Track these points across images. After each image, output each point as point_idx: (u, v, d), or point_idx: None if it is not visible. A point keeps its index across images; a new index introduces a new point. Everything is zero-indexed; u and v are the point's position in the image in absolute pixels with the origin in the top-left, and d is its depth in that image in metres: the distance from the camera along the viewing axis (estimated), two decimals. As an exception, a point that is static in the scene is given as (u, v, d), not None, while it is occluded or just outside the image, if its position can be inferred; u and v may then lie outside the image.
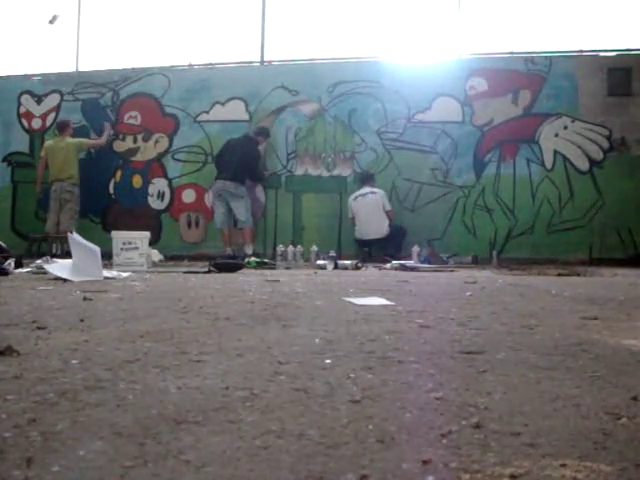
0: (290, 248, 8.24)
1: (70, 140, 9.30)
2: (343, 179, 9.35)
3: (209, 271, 5.80)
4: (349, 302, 3.06)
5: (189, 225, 9.73)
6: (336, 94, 9.38)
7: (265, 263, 7.34)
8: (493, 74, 9.02)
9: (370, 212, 8.66)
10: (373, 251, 8.81)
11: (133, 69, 10.10)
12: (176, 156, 9.79)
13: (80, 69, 10.35)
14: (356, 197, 8.84)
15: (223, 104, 9.70)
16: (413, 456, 0.91)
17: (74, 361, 1.56)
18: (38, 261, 5.71)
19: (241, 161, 8.70)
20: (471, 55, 9.31)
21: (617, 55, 8.86)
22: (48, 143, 9.38)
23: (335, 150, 9.40)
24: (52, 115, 10.17)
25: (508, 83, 8.96)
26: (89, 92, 10.11)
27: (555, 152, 8.81)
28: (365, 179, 8.98)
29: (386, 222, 8.67)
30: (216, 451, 0.93)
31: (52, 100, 10.22)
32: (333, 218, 9.32)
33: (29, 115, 10.29)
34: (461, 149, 8.99)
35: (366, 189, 8.81)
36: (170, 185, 9.80)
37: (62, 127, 9.43)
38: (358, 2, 9.99)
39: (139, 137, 9.91)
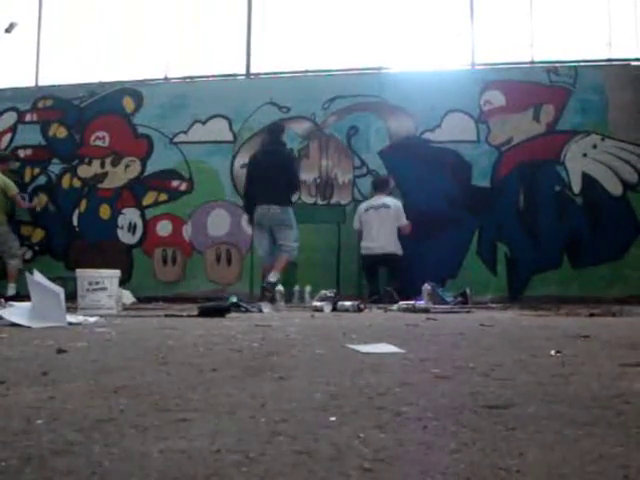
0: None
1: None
2: (342, 208, 9.38)
3: (199, 315, 5.74)
4: (353, 349, 3.05)
5: (165, 262, 9.72)
6: (333, 110, 9.47)
7: (239, 306, 6.59)
8: (511, 87, 9.14)
9: (381, 226, 8.56)
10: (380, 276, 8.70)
11: (101, 83, 10.19)
12: (149, 183, 9.82)
13: (40, 83, 10.43)
14: (367, 209, 8.75)
15: (204, 123, 9.78)
16: (438, 528, 0.91)
17: (39, 421, 1.55)
18: (-9, 305, 5.69)
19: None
20: (486, 65, 9.43)
21: (651, 64, 9.00)
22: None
23: (332, 175, 9.45)
24: (8, 136, 10.21)
25: (528, 97, 9.06)
26: (50, 109, 10.18)
27: (583, 174, 8.88)
28: (379, 185, 8.92)
29: (395, 238, 8.58)
30: (210, 525, 0.92)
31: (8, 119, 10.27)
32: (331, 252, 9.32)
33: (-19, 136, 10.34)
34: (476, 171, 9.05)
35: (380, 199, 8.72)
36: (143, 216, 9.82)
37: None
38: (357, 6, 10.09)
39: (107, 161, 9.95)
